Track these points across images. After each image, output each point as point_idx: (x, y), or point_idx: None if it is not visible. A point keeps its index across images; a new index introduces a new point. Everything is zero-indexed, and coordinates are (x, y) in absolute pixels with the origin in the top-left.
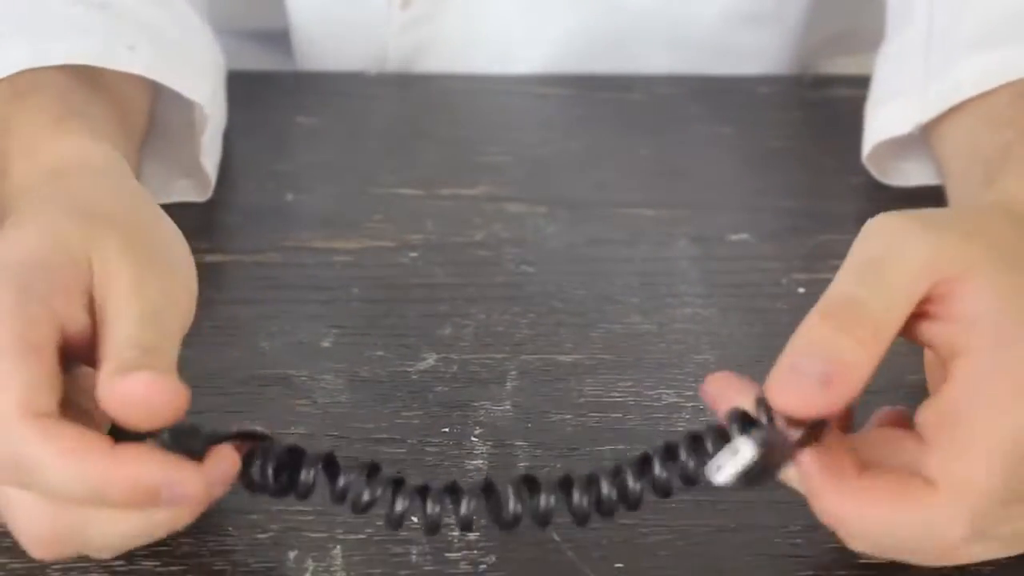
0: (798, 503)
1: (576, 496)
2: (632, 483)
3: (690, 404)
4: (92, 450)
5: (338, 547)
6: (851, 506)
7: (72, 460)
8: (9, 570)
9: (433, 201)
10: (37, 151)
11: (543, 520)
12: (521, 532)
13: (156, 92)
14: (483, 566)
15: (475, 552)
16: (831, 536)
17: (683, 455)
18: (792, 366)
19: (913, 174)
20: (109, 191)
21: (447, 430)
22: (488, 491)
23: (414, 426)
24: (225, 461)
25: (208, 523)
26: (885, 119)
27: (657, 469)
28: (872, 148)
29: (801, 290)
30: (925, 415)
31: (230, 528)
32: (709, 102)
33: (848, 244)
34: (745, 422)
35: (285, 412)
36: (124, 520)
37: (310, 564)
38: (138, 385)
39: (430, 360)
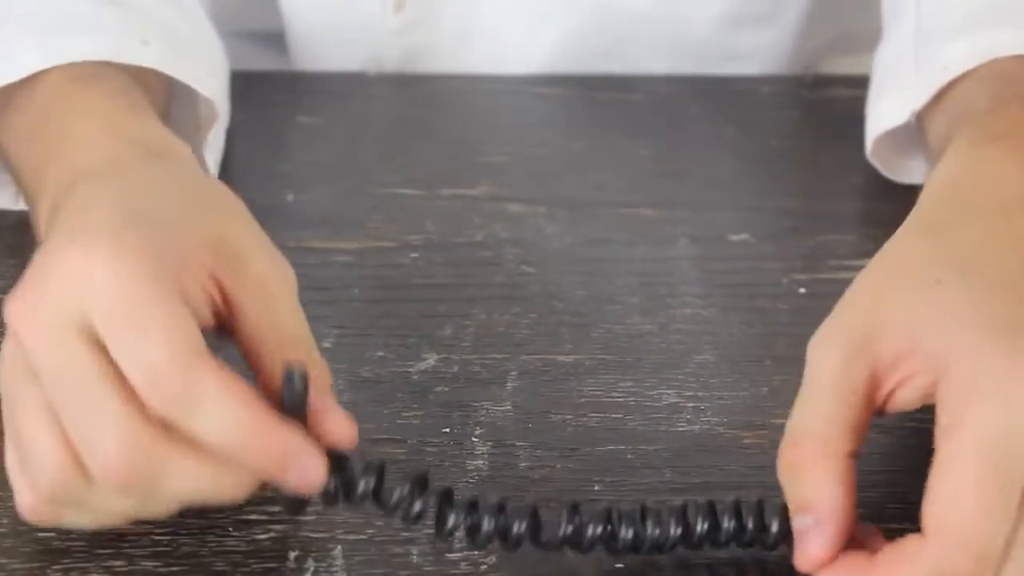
0: None
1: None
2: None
3: (690, 404)
4: (256, 403)
5: (339, 547)
6: None
7: (238, 405)
8: (10, 571)
9: (433, 201)
10: (122, 128)
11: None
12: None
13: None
14: (484, 566)
15: (475, 553)
16: None
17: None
18: (800, 530)
19: (918, 171)
20: (213, 180)
21: (447, 430)
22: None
23: (414, 426)
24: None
25: (209, 523)
26: (882, 112)
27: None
28: (874, 143)
29: (801, 290)
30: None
31: (231, 528)
32: (709, 102)
33: (848, 244)
34: None
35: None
36: (204, 472)
37: (311, 564)
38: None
39: (430, 360)
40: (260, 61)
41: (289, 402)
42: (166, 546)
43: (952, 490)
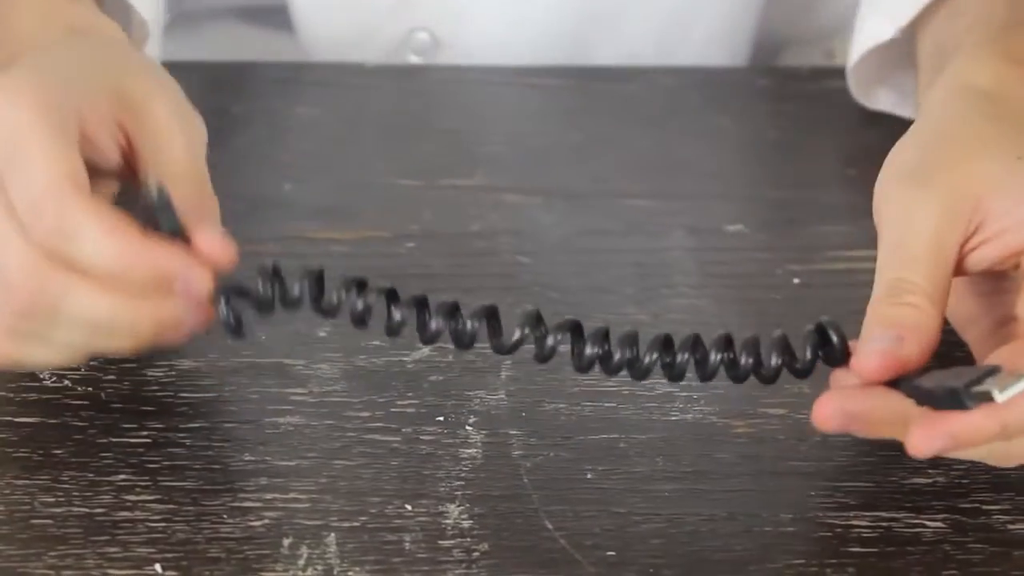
0: (788, 492)
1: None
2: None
3: (682, 394)
4: (130, 231)
5: (332, 535)
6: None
7: (114, 236)
8: (6, 557)
9: (430, 192)
10: (55, 15)
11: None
12: (514, 519)
13: None
14: (476, 553)
15: (468, 540)
16: (821, 525)
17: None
18: (869, 342)
19: (885, 99)
20: (130, 48)
21: (442, 419)
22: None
23: (409, 415)
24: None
25: (203, 510)
26: (870, 30)
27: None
28: (856, 63)
29: (796, 280)
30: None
31: (225, 515)
32: (706, 94)
33: (843, 235)
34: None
35: (281, 400)
36: (100, 301)
37: (304, 551)
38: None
39: (425, 350)
40: (259, 43)
41: (161, 219)
42: (161, 532)
43: None
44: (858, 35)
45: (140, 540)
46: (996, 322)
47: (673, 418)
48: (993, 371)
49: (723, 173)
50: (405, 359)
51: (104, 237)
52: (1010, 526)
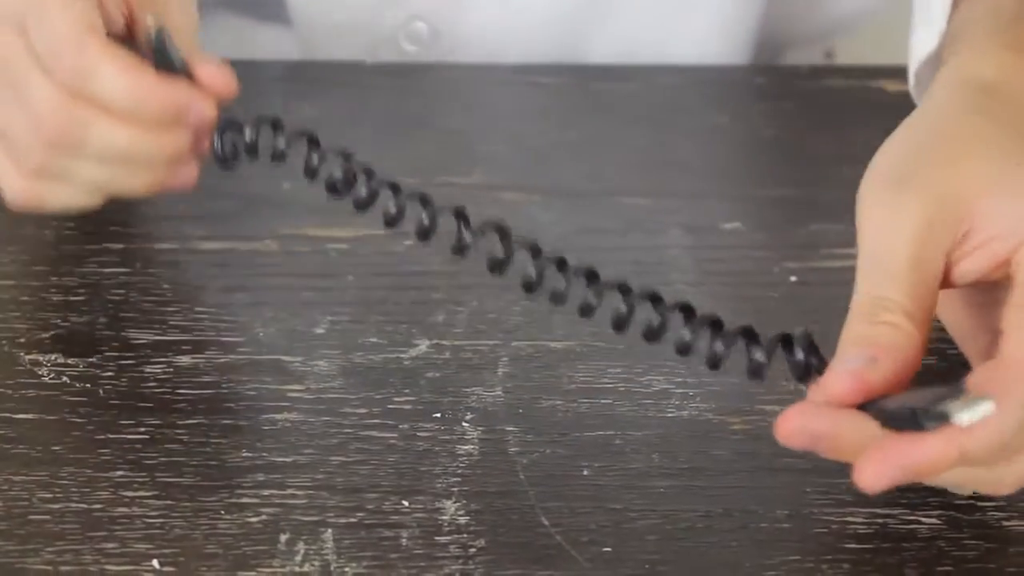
0: (784, 488)
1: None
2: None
3: (679, 391)
4: (143, 69)
5: (329, 531)
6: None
7: (128, 74)
8: (4, 552)
9: (429, 190)
10: None
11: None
12: (510, 515)
13: None
14: (472, 549)
15: (465, 536)
16: (817, 521)
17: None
18: (841, 362)
19: None
20: None
21: (439, 415)
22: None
23: (406, 411)
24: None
25: (200, 506)
26: (917, 43)
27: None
28: (916, 78)
29: (793, 279)
30: (1007, 315)
31: (222, 511)
32: (704, 92)
33: (840, 234)
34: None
35: (278, 397)
36: (120, 132)
37: (301, 547)
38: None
39: (423, 346)
40: (253, 34)
41: (161, 59)
42: (158, 529)
43: None
44: (911, 52)
45: (137, 536)
46: (994, 337)
47: (669, 415)
48: (958, 391)
49: (721, 171)
50: (402, 356)
51: (120, 75)
52: (1005, 523)
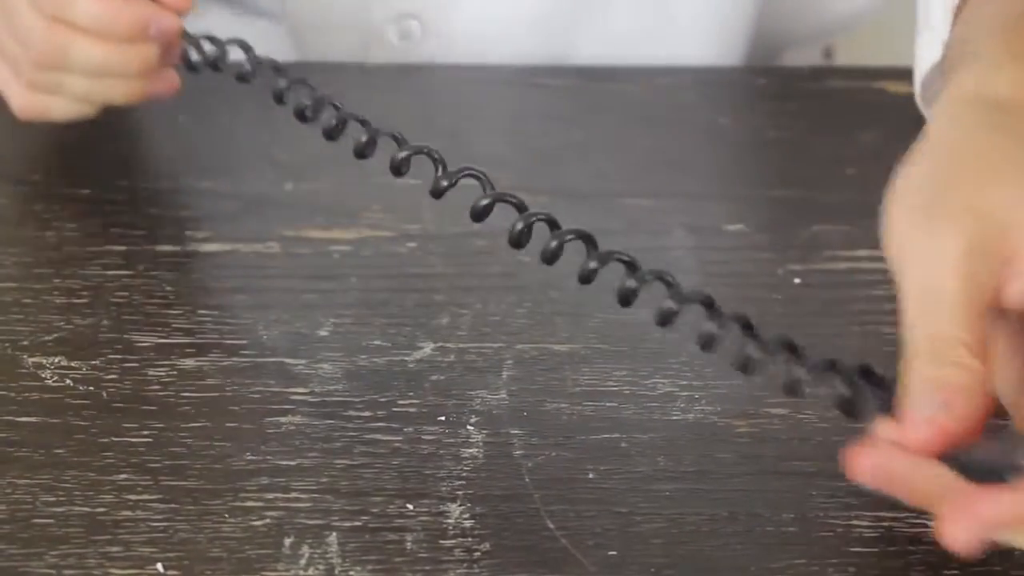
0: (789, 491)
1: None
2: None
3: (684, 393)
4: None
5: (333, 534)
6: None
7: (99, 1)
8: (8, 556)
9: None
10: None
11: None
12: (515, 519)
13: None
14: (477, 553)
15: (469, 539)
16: (822, 525)
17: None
18: (914, 410)
19: None
20: None
21: (443, 418)
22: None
23: (410, 415)
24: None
25: (205, 510)
26: (920, 50)
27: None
28: (921, 86)
29: (796, 280)
30: None
31: (226, 515)
32: (706, 93)
33: (843, 235)
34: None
35: (282, 400)
36: (95, 49)
37: (305, 551)
38: None
39: (427, 349)
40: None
41: None
42: (162, 532)
43: None
44: (916, 60)
45: (142, 539)
46: None
47: (675, 418)
48: None
49: (723, 173)
50: (406, 359)
51: (93, 2)
52: None
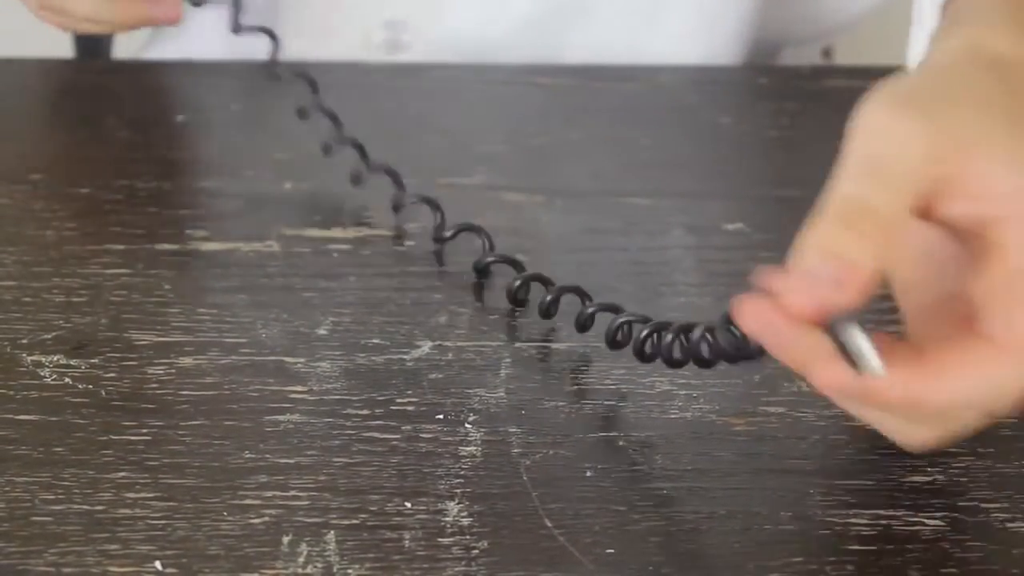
0: (787, 490)
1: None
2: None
3: (682, 392)
4: None
5: (332, 532)
6: (929, 384)
7: None
8: (6, 554)
9: (431, 190)
10: None
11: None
12: (513, 517)
13: None
14: (475, 551)
15: (467, 537)
16: (820, 523)
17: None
18: (800, 276)
19: None
20: None
21: (441, 417)
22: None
23: (409, 413)
24: None
25: (203, 508)
26: (912, 48)
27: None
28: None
29: None
30: (978, 286)
31: (225, 513)
32: (706, 92)
33: None
34: None
35: (281, 398)
36: None
37: (304, 549)
38: None
39: (425, 348)
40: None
41: None
42: (160, 530)
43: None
44: (909, 56)
45: (140, 537)
46: (941, 296)
47: (672, 416)
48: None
49: (723, 172)
50: (405, 357)
51: None
52: (1008, 524)
